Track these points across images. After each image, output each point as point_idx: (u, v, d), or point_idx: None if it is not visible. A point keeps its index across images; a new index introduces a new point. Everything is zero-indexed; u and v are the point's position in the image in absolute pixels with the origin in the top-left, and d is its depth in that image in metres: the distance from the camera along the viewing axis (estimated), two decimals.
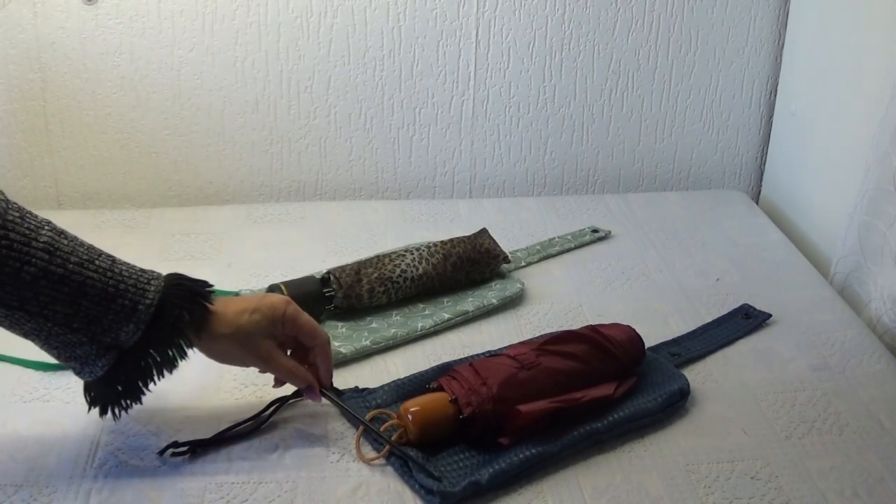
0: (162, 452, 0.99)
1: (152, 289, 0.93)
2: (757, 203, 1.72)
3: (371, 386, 1.09)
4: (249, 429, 1.03)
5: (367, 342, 1.19)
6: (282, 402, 1.07)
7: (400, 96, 1.63)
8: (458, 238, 1.35)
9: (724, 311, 1.30)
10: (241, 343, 0.98)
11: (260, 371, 1.02)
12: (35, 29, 1.50)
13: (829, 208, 1.51)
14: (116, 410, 0.96)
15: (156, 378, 0.96)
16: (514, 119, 1.68)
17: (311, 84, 1.60)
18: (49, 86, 1.54)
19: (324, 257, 1.42)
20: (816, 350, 1.22)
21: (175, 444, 0.99)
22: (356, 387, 1.09)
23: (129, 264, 0.94)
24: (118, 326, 0.91)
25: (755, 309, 1.30)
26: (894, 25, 1.33)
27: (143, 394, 0.97)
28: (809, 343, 1.24)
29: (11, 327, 0.89)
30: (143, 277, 0.93)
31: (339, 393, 1.06)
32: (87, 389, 0.96)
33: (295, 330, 1.01)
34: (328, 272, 1.26)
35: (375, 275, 1.26)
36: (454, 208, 1.60)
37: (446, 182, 1.71)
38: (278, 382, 1.04)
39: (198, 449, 1.00)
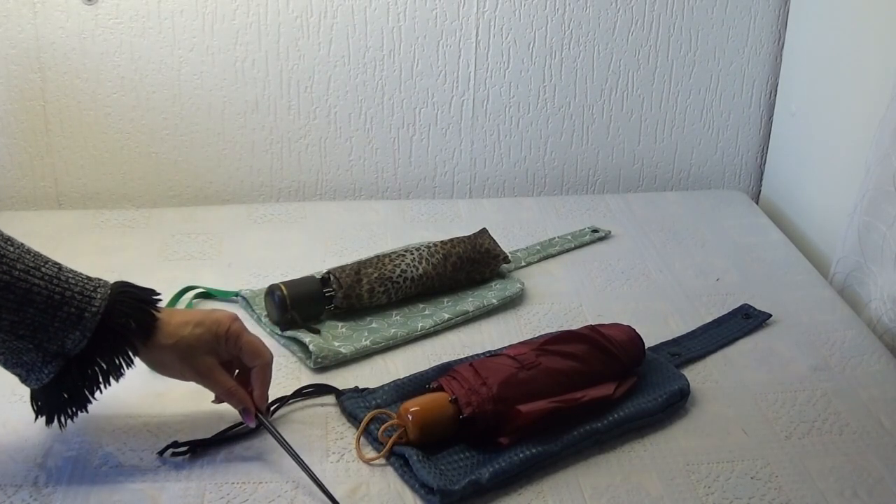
0: (162, 452, 0.99)
1: (98, 296, 0.91)
2: (757, 203, 1.72)
3: (371, 386, 1.09)
4: (249, 429, 1.03)
5: (367, 342, 1.19)
6: (282, 402, 1.07)
7: (400, 96, 1.63)
8: (458, 238, 1.35)
9: (724, 311, 1.30)
10: (180, 355, 0.96)
11: (203, 385, 1.00)
12: (35, 29, 1.50)
13: (829, 208, 1.51)
14: (63, 419, 0.95)
15: (102, 386, 0.95)
16: (514, 119, 1.68)
17: (311, 84, 1.60)
18: (49, 86, 1.54)
19: (324, 257, 1.42)
20: (816, 350, 1.22)
21: (175, 444, 0.99)
22: (356, 387, 1.09)
23: (75, 272, 0.93)
24: (64, 334, 0.90)
25: (755, 309, 1.30)
26: (894, 25, 1.33)
27: (90, 402, 0.95)
28: (809, 343, 1.24)
29: None
30: (90, 285, 0.92)
31: (271, 414, 1.04)
32: (33, 398, 0.96)
33: (237, 348, 0.99)
34: (328, 272, 1.26)
35: (375, 275, 1.26)
36: (454, 208, 1.60)
37: (446, 182, 1.71)
38: (218, 399, 1.01)
39: (198, 449, 1.00)
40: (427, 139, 1.67)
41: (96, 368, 0.93)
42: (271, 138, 1.63)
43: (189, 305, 1.27)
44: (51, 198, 1.61)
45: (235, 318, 1.00)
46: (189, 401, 1.08)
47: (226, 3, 1.53)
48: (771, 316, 1.28)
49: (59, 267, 0.92)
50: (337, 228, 1.50)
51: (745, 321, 1.27)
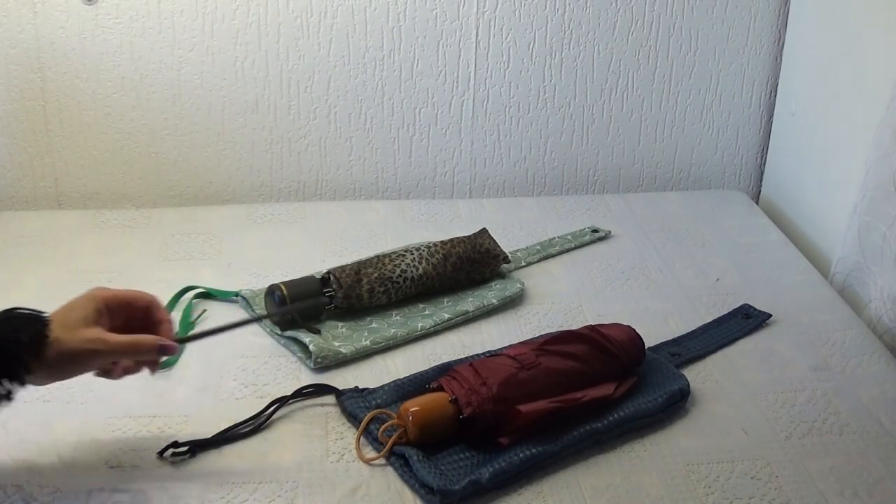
0: (162, 452, 0.99)
1: None
2: (757, 203, 1.72)
3: (371, 386, 1.09)
4: (249, 429, 1.03)
5: (367, 342, 1.19)
6: (282, 401, 1.07)
7: (400, 96, 1.63)
8: (458, 238, 1.35)
9: (724, 311, 1.30)
10: (67, 342, 0.90)
11: (104, 371, 0.95)
12: (35, 29, 1.50)
13: (829, 208, 1.51)
14: None
15: None
16: (514, 119, 1.68)
17: (311, 84, 1.60)
18: (49, 86, 1.54)
19: (324, 257, 1.42)
20: (816, 350, 1.22)
21: (175, 444, 0.99)
22: (356, 387, 1.09)
23: None
24: None
25: (755, 309, 1.30)
26: (894, 25, 1.33)
27: None
28: (809, 343, 1.24)
29: None
30: None
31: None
32: None
33: (124, 302, 0.96)
34: (328, 272, 1.26)
35: (375, 275, 1.26)
36: (454, 208, 1.60)
37: (446, 182, 1.71)
38: (136, 366, 0.97)
39: (198, 449, 1.00)
40: (427, 139, 1.67)
41: None
42: (271, 138, 1.63)
43: (189, 305, 1.27)
44: (51, 198, 1.61)
45: (98, 287, 0.96)
46: (189, 401, 1.08)
47: (226, 3, 1.53)
48: (771, 316, 1.28)
49: None
50: (337, 228, 1.50)
51: (745, 321, 1.27)
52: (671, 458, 1.02)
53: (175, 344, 0.96)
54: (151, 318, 0.98)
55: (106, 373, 0.96)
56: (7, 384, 0.88)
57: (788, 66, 1.66)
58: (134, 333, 0.95)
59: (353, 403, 1.06)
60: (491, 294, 1.30)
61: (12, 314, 0.90)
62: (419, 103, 1.64)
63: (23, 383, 0.89)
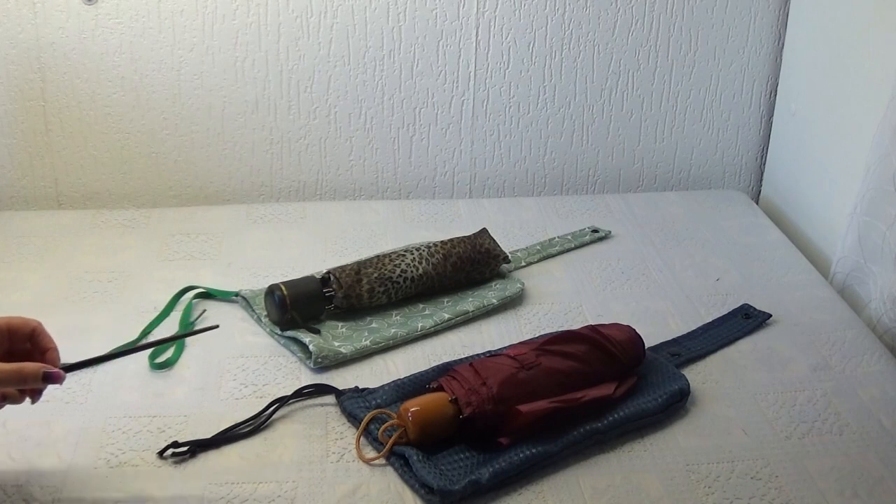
0: (162, 452, 0.99)
1: None
2: (757, 203, 1.72)
3: (371, 386, 1.09)
4: (249, 429, 1.03)
5: (367, 342, 1.19)
6: (282, 401, 1.07)
7: (400, 96, 1.63)
8: (458, 238, 1.35)
9: (724, 311, 1.30)
10: None
11: None
12: (35, 29, 1.50)
13: (829, 208, 1.51)
14: None
15: None
16: (514, 119, 1.68)
17: (311, 84, 1.60)
18: (49, 86, 1.54)
19: (324, 257, 1.42)
20: (816, 350, 1.22)
21: (175, 444, 0.99)
22: (356, 387, 1.09)
23: None
24: None
25: (755, 309, 1.30)
26: (894, 25, 1.33)
27: None
28: (809, 343, 1.24)
29: None
30: None
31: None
32: None
33: (6, 330, 0.93)
34: (328, 272, 1.26)
35: (375, 275, 1.26)
36: (454, 208, 1.60)
37: (446, 182, 1.71)
38: (20, 395, 0.91)
39: (198, 449, 1.00)
40: (427, 139, 1.67)
41: None
42: (271, 138, 1.63)
43: (189, 305, 1.27)
44: (51, 198, 1.61)
45: None
46: (189, 401, 1.08)
47: (226, 3, 1.53)
48: (771, 316, 1.28)
49: None
50: (337, 228, 1.50)
51: (745, 321, 1.27)
52: (671, 458, 1.02)
53: (61, 371, 0.91)
54: (38, 346, 0.95)
55: None
56: None
57: (788, 66, 1.66)
58: (18, 361, 0.91)
59: (353, 403, 1.06)
60: (491, 294, 1.30)
61: None
62: (419, 103, 1.64)
63: None
